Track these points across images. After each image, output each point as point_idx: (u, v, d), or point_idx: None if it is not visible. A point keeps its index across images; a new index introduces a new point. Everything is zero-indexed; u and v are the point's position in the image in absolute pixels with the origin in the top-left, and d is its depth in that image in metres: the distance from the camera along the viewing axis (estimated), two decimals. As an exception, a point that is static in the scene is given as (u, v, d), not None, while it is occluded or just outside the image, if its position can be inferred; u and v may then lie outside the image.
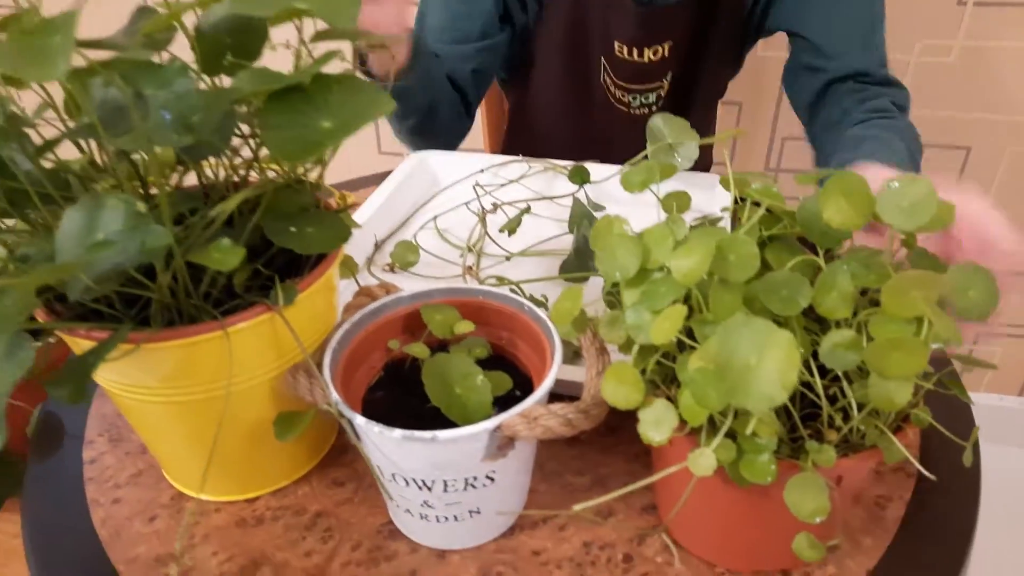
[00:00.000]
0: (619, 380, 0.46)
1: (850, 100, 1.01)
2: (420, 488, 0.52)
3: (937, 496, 0.62)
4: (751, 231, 0.50)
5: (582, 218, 0.89)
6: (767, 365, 0.37)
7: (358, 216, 0.89)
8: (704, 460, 0.45)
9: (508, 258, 0.86)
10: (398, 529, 0.59)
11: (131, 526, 0.60)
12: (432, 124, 1.06)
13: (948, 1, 1.49)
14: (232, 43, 0.52)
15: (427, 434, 0.48)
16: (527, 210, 0.84)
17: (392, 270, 0.86)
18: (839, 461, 0.46)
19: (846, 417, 0.47)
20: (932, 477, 0.47)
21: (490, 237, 0.88)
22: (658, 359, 0.48)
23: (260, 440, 0.58)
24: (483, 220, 0.88)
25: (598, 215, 0.90)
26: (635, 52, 1.09)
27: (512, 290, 0.79)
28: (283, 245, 0.51)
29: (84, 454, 0.67)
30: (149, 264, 0.49)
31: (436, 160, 1.04)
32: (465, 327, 0.58)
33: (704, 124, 1.29)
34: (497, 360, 0.61)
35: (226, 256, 0.45)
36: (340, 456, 0.66)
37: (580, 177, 0.94)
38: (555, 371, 0.52)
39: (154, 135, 0.45)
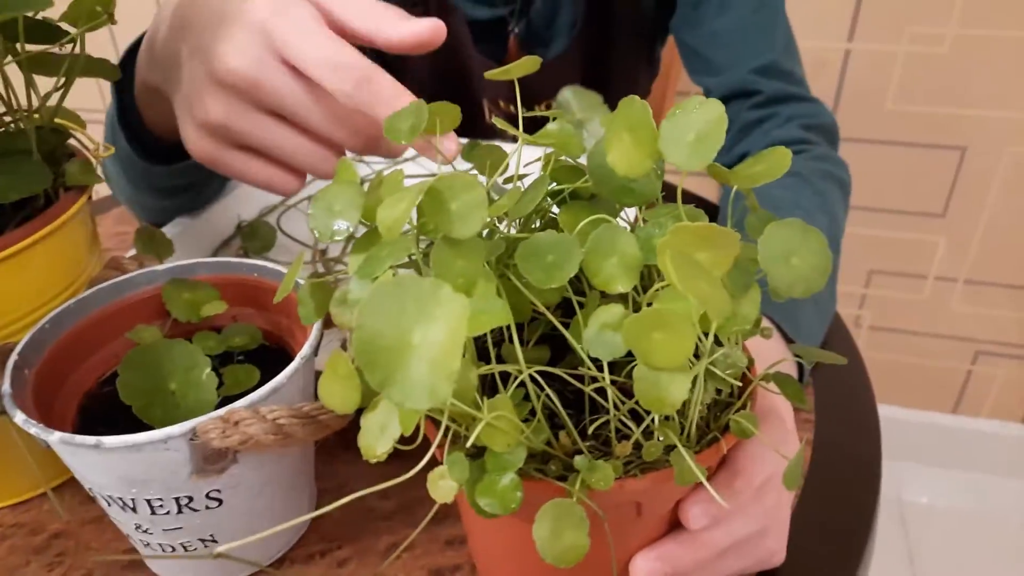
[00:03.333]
0: (334, 374, 0.35)
1: (753, 137, 0.82)
2: (123, 509, 0.41)
3: (817, 546, 0.50)
4: (540, 184, 0.38)
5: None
6: (427, 344, 0.25)
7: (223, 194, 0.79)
8: (443, 482, 0.33)
9: (375, 243, 0.75)
10: (138, 558, 0.48)
11: None
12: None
13: (938, -16, 1.36)
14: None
15: (90, 439, 0.36)
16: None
17: (246, 254, 0.75)
18: (625, 482, 0.34)
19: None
20: (723, 504, 0.35)
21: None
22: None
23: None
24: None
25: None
26: (515, 109, 0.96)
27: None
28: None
29: None
30: None
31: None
32: (214, 308, 0.47)
33: None
34: (272, 351, 0.49)
35: None
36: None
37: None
38: (296, 364, 0.41)
39: None
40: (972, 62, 1.40)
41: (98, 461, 0.38)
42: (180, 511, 0.41)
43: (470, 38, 0.93)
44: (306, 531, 0.50)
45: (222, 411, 0.38)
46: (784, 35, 0.86)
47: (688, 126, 0.33)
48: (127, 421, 0.42)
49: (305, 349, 0.42)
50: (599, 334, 0.32)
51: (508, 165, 0.44)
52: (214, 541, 0.44)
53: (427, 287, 0.25)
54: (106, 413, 0.46)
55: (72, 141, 0.52)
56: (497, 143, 0.48)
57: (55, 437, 0.37)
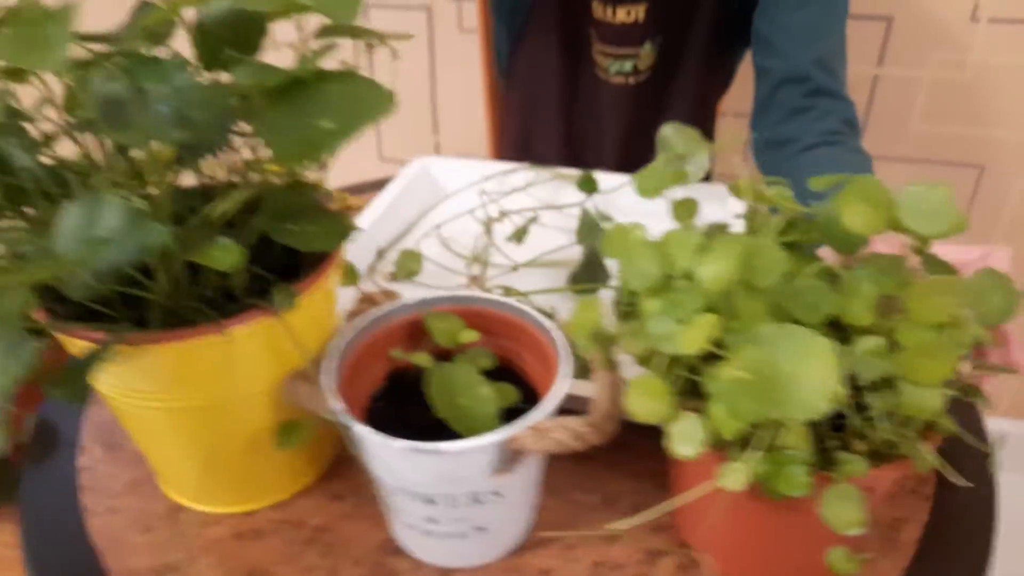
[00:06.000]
0: (646, 393, 0.44)
1: (799, 122, 0.99)
2: (425, 503, 0.50)
3: (952, 518, 0.60)
4: (772, 235, 0.48)
5: (591, 229, 0.87)
6: (808, 374, 0.36)
7: (360, 223, 0.87)
8: (735, 474, 0.43)
9: (514, 268, 0.84)
10: (400, 546, 0.57)
11: (127, 536, 0.58)
12: None
13: (962, 15, 1.47)
14: (231, 38, 0.50)
15: (432, 446, 0.46)
16: (534, 219, 0.82)
17: (395, 279, 0.84)
18: (878, 471, 0.44)
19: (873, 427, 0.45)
20: (964, 482, 0.45)
21: (496, 247, 0.86)
22: (678, 370, 0.46)
23: (259, 450, 0.56)
24: (489, 229, 0.86)
25: (605, 226, 0.89)
26: (609, 11, 1.09)
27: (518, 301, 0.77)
28: (283, 242, 0.49)
29: (79, 461, 0.65)
30: (149, 264, 0.47)
31: (439, 166, 1.03)
32: (469, 336, 0.56)
33: (695, 121, 1.22)
34: (503, 372, 0.59)
35: (225, 255, 0.43)
36: (341, 468, 0.64)
37: (588, 186, 0.92)
38: (564, 383, 0.50)
39: (152, 130, 0.43)
40: (992, 87, 1.52)
41: (425, 463, 0.47)
42: (471, 504, 0.50)
43: None
44: (532, 524, 0.59)
45: (527, 421, 0.47)
46: (841, 38, 1.02)
47: (922, 201, 0.43)
48: (397, 431, 0.49)
49: (565, 369, 0.51)
50: (863, 359, 0.42)
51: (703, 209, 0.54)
52: (485, 529, 0.53)
53: (802, 333, 0.35)
54: (384, 426, 0.54)
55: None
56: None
57: (400, 445, 0.46)
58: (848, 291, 0.44)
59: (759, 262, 0.42)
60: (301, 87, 0.44)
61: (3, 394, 0.37)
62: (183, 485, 0.60)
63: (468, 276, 0.81)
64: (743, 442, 0.45)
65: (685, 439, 0.43)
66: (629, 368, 0.52)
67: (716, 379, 0.41)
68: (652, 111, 1.20)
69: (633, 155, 1.25)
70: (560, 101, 1.23)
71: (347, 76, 0.45)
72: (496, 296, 0.59)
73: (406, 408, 0.56)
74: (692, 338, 0.40)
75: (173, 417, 0.53)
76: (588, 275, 0.81)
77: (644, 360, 0.48)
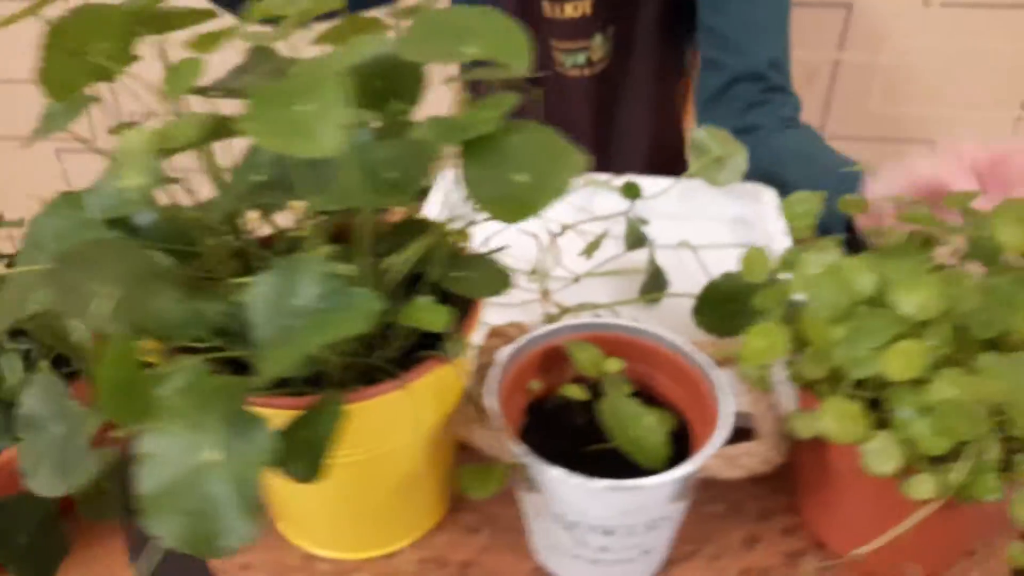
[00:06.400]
0: (840, 416, 0.47)
1: (758, 112, 1.06)
2: (603, 535, 0.51)
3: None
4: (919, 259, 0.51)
5: (638, 237, 0.89)
6: None
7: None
8: (925, 484, 0.45)
9: (576, 280, 0.85)
10: (551, 573, 0.58)
11: (272, 594, 0.57)
12: None
13: (915, 1, 1.55)
14: (384, 87, 0.49)
15: (633, 483, 0.47)
16: (605, 233, 0.84)
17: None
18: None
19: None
20: None
21: (560, 264, 0.87)
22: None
23: (404, 494, 0.56)
24: (553, 243, 0.87)
25: (645, 229, 0.91)
26: (557, 8, 1.13)
27: (596, 314, 0.78)
28: (454, 290, 0.50)
29: (191, 520, 0.63)
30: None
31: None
32: (614, 365, 0.57)
33: (656, 109, 1.26)
34: (641, 395, 0.60)
35: (436, 316, 0.43)
36: (465, 499, 0.64)
37: (632, 193, 0.93)
38: (730, 406, 0.52)
39: (350, 193, 0.43)
40: (943, 68, 1.61)
41: (617, 499, 0.48)
42: (644, 531, 0.52)
43: None
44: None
45: (711, 450, 0.49)
46: (788, 35, 1.10)
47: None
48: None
49: (726, 391, 0.53)
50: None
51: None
52: (648, 552, 0.54)
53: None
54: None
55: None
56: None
57: (600, 484, 0.47)
58: (1014, 305, 0.47)
59: (955, 290, 0.45)
60: (490, 141, 0.44)
61: (255, 488, 0.36)
62: (318, 533, 0.60)
63: (539, 291, 0.82)
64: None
65: (882, 457, 0.45)
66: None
67: (919, 401, 0.44)
68: (613, 100, 1.23)
69: (606, 144, 1.28)
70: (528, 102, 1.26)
71: (529, 128, 0.45)
72: (623, 322, 0.60)
73: (550, 441, 0.56)
74: (901, 365, 0.43)
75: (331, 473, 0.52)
76: (652, 285, 0.82)
77: (809, 382, 0.50)
